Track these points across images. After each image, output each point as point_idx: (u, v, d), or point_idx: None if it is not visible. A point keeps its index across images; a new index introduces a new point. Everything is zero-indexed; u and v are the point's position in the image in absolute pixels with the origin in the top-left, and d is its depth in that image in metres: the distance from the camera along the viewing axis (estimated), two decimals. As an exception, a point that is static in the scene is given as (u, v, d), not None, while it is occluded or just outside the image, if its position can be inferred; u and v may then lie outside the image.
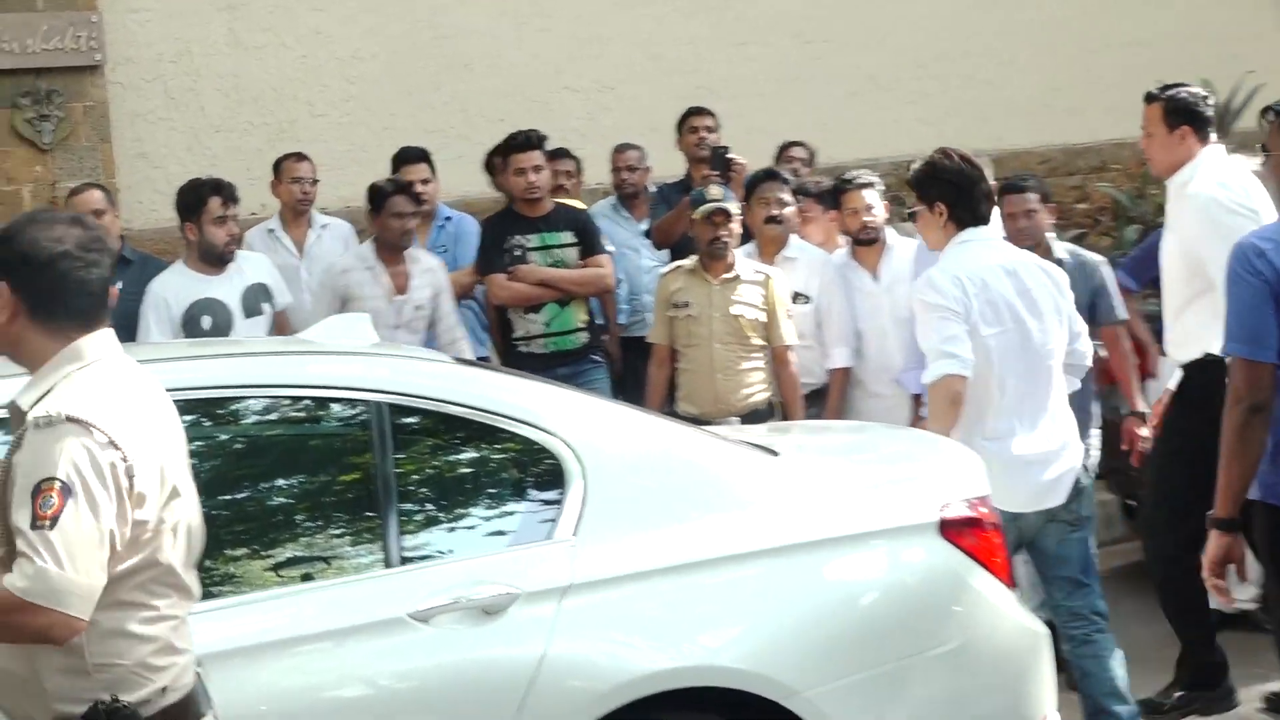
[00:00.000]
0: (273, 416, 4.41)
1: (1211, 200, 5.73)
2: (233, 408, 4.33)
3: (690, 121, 8.42)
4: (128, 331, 7.13)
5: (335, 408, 4.42)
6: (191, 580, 3.32)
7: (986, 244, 5.38)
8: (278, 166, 8.09)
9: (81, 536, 3.07)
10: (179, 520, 3.27)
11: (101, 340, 3.30)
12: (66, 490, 3.07)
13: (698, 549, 4.36)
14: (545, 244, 7.46)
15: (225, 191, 6.98)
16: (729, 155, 7.69)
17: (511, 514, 4.41)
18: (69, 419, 3.12)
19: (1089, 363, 5.59)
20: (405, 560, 4.24)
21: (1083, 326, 5.59)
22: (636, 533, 4.34)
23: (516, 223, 7.48)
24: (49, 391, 3.22)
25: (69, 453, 3.10)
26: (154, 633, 3.21)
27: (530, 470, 4.46)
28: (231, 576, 4.15)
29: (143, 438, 3.20)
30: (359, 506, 4.33)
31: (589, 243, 7.51)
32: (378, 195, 7.40)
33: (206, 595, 3.91)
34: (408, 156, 7.94)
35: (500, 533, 4.38)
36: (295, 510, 4.32)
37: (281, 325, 7.00)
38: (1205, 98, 5.97)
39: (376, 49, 9.71)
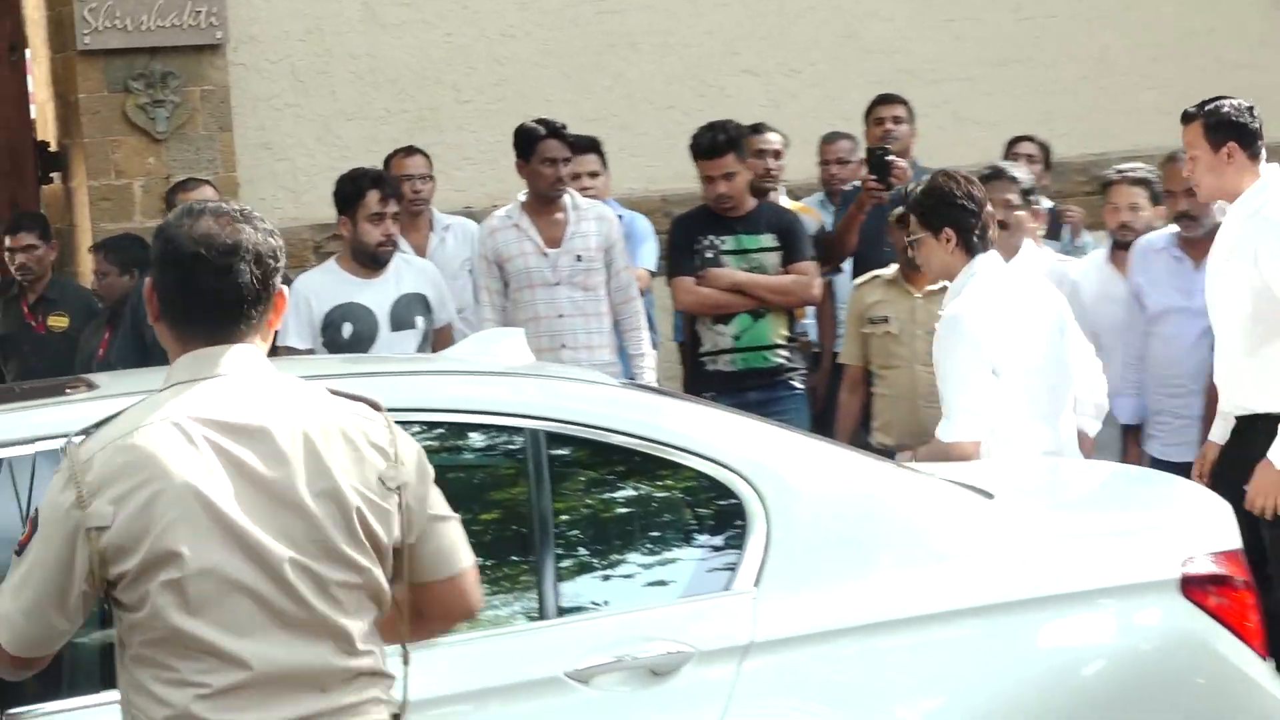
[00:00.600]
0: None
1: None
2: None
3: (876, 111, 8.43)
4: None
5: (480, 435, 4.44)
6: (251, 648, 3.22)
7: (996, 272, 5.70)
8: (386, 163, 8.22)
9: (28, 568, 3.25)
10: (198, 580, 3.21)
11: (221, 356, 3.31)
12: (35, 522, 3.25)
13: (897, 606, 4.33)
14: (742, 246, 7.50)
15: (387, 186, 7.10)
16: (888, 157, 7.67)
17: (683, 560, 4.40)
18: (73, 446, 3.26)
19: (1105, 402, 5.86)
20: (561, 611, 4.24)
21: (1096, 363, 5.84)
22: (827, 585, 4.32)
23: (711, 221, 7.52)
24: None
25: (51, 486, 3.25)
26: (170, 697, 3.20)
27: (706, 510, 4.44)
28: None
29: (173, 479, 3.20)
30: (506, 548, 4.35)
31: (793, 247, 7.50)
32: (526, 139, 7.51)
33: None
34: (577, 146, 8.01)
35: (670, 582, 4.37)
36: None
37: (442, 344, 7.00)
38: (1250, 108, 6.02)
39: (530, 26, 9.80)
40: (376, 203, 7.05)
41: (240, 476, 3.23)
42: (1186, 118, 6.06)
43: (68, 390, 4.83)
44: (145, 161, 9.03)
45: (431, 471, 3.40)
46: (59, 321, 8.27)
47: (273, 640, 3.22)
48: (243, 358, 3.34)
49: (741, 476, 4.39)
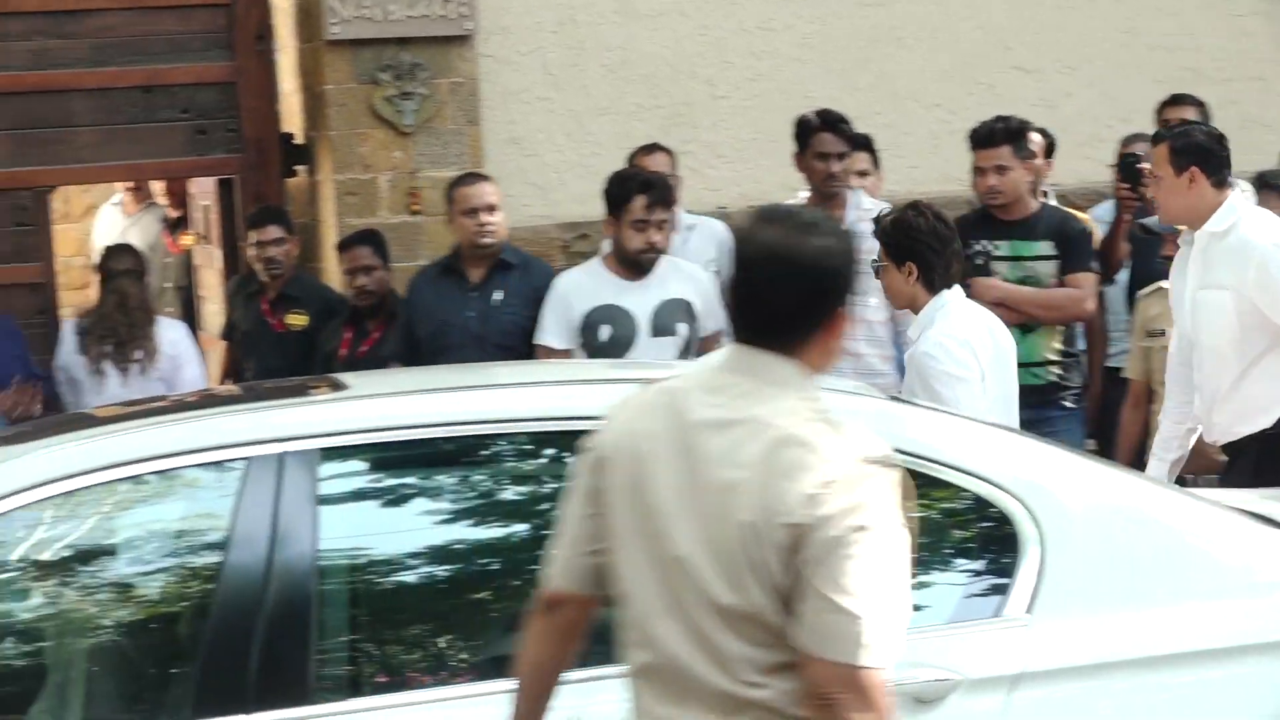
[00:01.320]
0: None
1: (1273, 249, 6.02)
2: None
3: (1164, 113, 8.32)
4: (507, 350, 7.39)
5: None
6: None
7: (965, 305, 5.97)
8: (630, 160, 8.31)
9: None
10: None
11: (751, 359, 3.49)
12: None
13: (1178, 639, 4.31)
14: (1017, 253, 7.42)
15: (655, 192, 7.14)
16: (1140, 164, 7.53)
17: (951, 584, 4.41)
18: None
19: None
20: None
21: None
22: (1102, 615, 4.30)
23: (987, 224, 7.45)
24: None
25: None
26: None
27: (976, 532, 4.45)
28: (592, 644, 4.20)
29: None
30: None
31: (1072, 257, 7.41)
32: (801, 131, 7.56)
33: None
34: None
35: (938, 606, 4.36)
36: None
37: (708, 353, 6.96)
38: (1220, 137, 6.24)
39: (790, 19, 9.76)
40: (641, 209, 7.11)
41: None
42: (1156, 139, 6.36)
43: (311, 390, 5.04)
44: (391, 155, 9.07)
45: (852, 548, 3.34)
46: (298, 319, 8.31)
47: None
48: (762, 368, 3.47)
49: (1014, 497, 4.38)
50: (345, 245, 8.24)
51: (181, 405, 5.17)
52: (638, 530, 3.43)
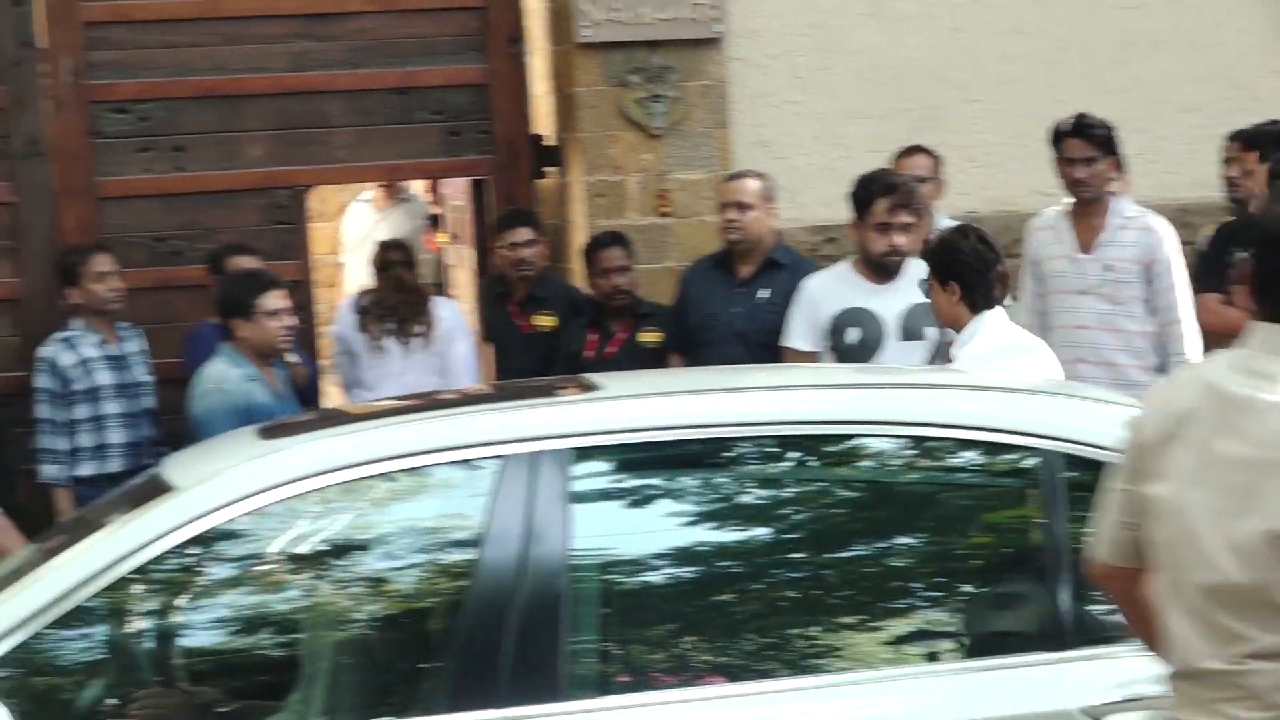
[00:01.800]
0: (905, 461, 4.57)
1: None
2: (852, 447, 4.53)
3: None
4: (770, 349, 7.40)
5: (991, 454, 4.52)
6: None
7: (1004, 326, 6.12)
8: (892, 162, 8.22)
9: None
10: None
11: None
12: None
13: None
14: None
15: (898, 195, 7.09)
16: None
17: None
18: None
19: None
20: (1075, 643, 4.26)
21: None
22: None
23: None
24: None
25: None
26: None
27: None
28: (837, 649, 4.33)
29: None
30: (1015, 576, 4.43)
31: None
32: (1053, 135, 7.58)
33: (808, 669, 4.23)
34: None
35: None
36: (927, 573, 4.47)
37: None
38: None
39: (1045, 22, 9.61)
40: (884, 211, 7.08)
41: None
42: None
43: (562, 390, 5.08)
44: (641, 157, 9.07)
45: None
46: (546, 320, 8.32)
47: None
48: None
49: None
50: (596, 246, 8.30)
51: (436, 403, 5.25)
52: (1199, 508, 3.45)
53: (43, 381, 8.04)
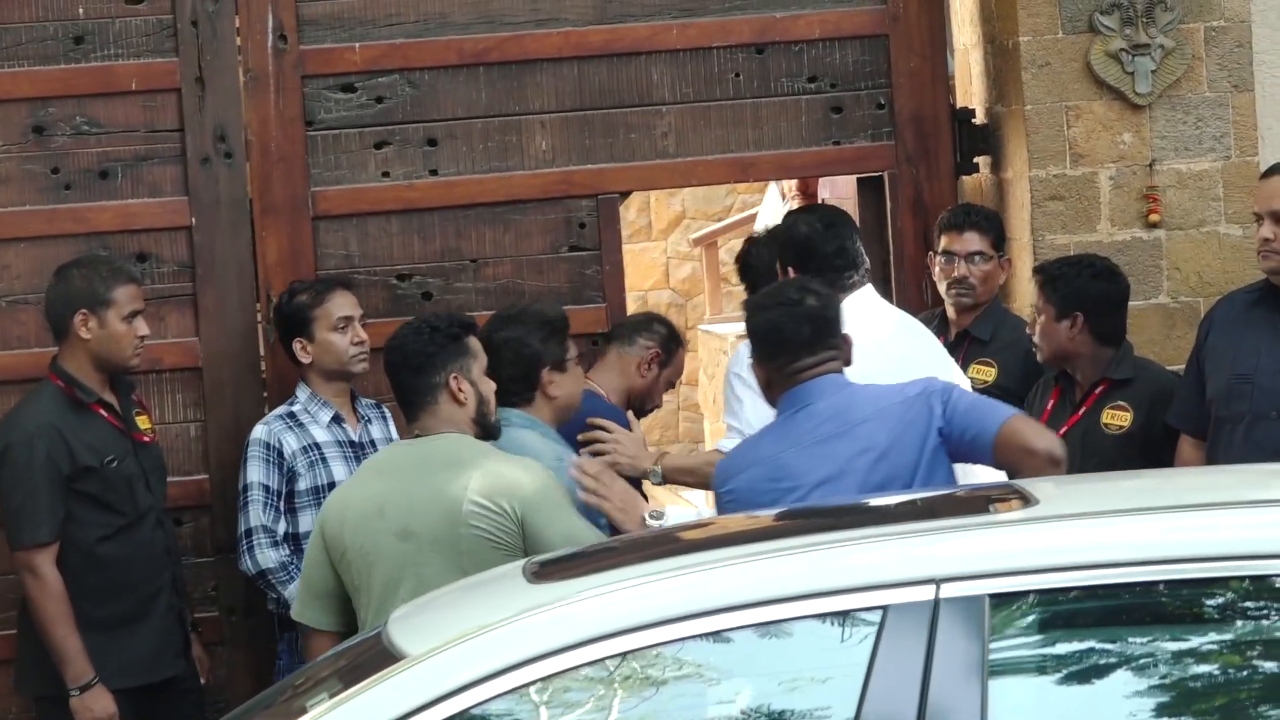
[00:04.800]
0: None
1: None
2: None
3: None
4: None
5: None
6: None
7: None
8: None
9: None
10: None
11: None
12: None
13: None
14: None
15: None
16: None
17: None
18: None
19: None
20: None
21: None
22: None
23: None
24: None
25: None
26: None
27: None
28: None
29: None
30: None
31: None
32: None
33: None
34: None
35: None
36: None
37: None
38: None
39: None
40: None
41: None
42: None
43: (986, 503, 4.68)
44: (1117, 140, 7.82)
45: None
46: (983, 373, 7.38)
47: None
48: None
49: None
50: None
51: (798, 523, 5.03)
52: None
53: (256, 473, 7.06)
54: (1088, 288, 6.94)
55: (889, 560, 4.21)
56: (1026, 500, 4.54)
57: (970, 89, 8.31)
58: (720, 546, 4.61)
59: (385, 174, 7.74)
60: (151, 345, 7.07)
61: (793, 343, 5.55)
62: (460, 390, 6.05)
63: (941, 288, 7.49)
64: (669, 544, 4.97)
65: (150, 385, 7.40)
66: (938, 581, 4.05)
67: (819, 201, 10.04)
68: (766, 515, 5.48)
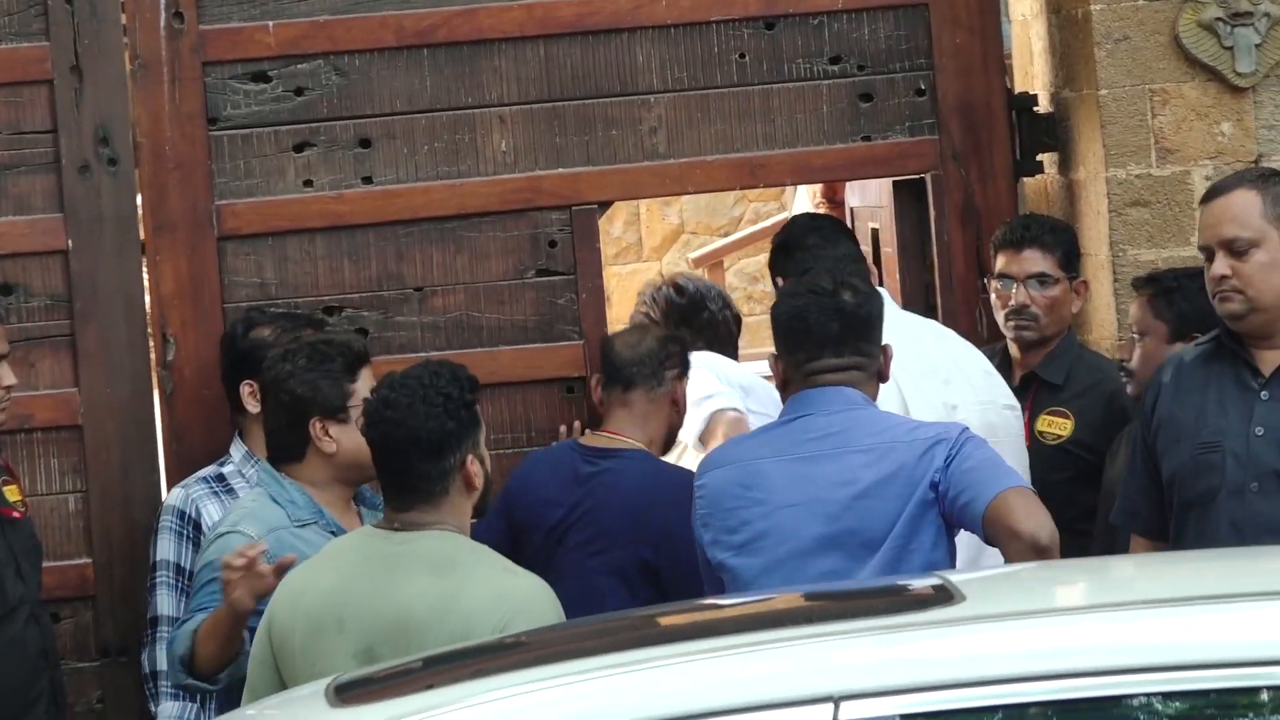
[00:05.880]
0: None
1: None
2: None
3: None
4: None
5: None
6: None
7: None
8: None
9: None
10: None
11: None
12: None
13: None
14: None
15: None
16: None
17: None
18: None
19: None
20: None
21: None
22: None
23: None
24: None
25: None
26: None
27: None
28: None
29: None
30: None
31: None
32: None
33: None
34: None
35: None
36: None
37: None
38: None
39: None
40: None
41: None
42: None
43: (906, 599, 4.54)
44: (1214, 130, 7.17)
45: None
46: (1055, 425, 6.81)
47: None
48: None
49: None
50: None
51: (659, 624, 4.63)
52: None
53: (166, 549, 6.51)
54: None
55: (779, 672, 3.91)
56: (950, 596, 4.25)
57: (1031, 70, 7.68)
58: (572, 656, 4.23)
59: (308, 183, 7.10)
60: (19, 398, 6.48)
61: (816, 337, 5.31)
62: (475, 474, 5.26)
63: (999, 318, 6.76)
64: (515, 652, 4.52)
65: (19, 448, 6.76)
66: (836, 700, 3.73)
67: (847, 210, 9.23)
68: (614, 620, 5.08)
